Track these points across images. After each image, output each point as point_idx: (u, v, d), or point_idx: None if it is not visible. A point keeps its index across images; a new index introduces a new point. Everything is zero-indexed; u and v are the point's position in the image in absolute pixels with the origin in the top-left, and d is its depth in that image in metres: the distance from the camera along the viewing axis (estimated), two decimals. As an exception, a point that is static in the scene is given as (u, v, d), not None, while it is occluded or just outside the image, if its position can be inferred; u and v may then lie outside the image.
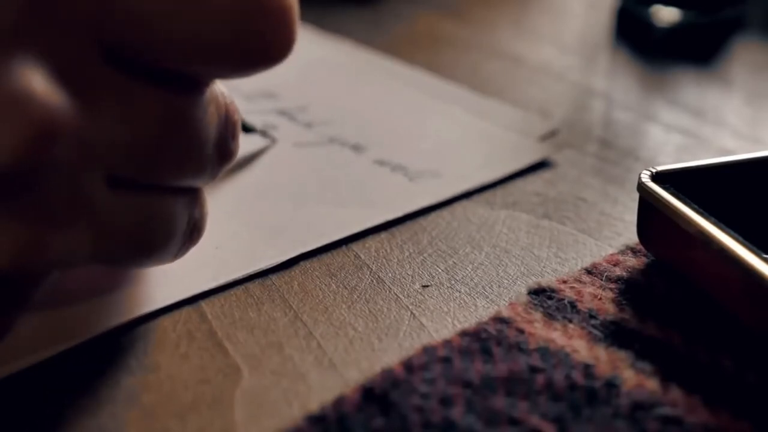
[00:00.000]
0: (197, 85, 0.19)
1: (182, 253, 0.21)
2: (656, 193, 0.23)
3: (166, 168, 0.19)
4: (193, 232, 0.21)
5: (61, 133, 0.16)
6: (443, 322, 0.22)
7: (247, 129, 0.31)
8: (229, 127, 0.21)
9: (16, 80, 0.15)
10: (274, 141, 0.32)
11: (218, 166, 0.21)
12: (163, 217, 0.20)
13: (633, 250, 0.25)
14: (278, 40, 0.19)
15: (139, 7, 0.17)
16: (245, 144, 0.30)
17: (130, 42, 0.17)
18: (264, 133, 0.31)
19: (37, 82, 0.15)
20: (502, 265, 0.25)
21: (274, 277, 0.24)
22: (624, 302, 0.23)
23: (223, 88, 0.21)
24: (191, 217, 0.21)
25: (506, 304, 0.23)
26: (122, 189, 0.18)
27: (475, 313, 0.23)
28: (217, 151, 0.20)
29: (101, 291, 0.23)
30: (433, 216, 0.27)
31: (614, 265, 0.24)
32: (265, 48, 0.19)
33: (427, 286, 0.24)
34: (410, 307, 0.23)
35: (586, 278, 0.24)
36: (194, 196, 0.21)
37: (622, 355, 0.21)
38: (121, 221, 0.18)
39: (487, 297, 0.24)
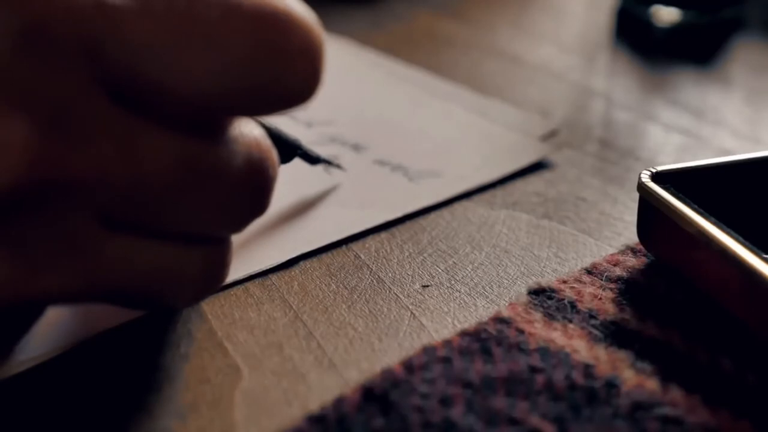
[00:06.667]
0: (217, 129, 0.18)
1: (195, 301, 0.20)
2: (656, 193, 0.23)
3: (177, 216, 0.18)
4: (209, 283, 0.20)
5: (37, 179, 0.15)
6: (443, 322, 0.22)
7: (311, 159, 0.27)
8: (261, 180, 0.19)
9: None
10: (337, 182, 0.29)
11: (246, 218, 0.19)
12: (170, 266, 0.18)
13: (633, 250, 0.25)
14: (304, 83, 0.17)
15: (141, 48, 0.16)
16: (312, 180, 0.28)
17: (131, 84, 0.16)
18: (331, 164, 0.28)
19: (14, 129, 0.15)
20: (502, 265, 0.25)
21: (274, 277, 0.24)
22: (624, 302, 0.23)
23: (261, 137, 0.19)
24: (209, 267, 0.19)
25: (506, 304, 0.23)
26: (124, 234, 0.17)
27: (475, 313, 0.23)
28: (243, 202, 0.19)
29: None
30: (433, 216, 0.27)
31: (614, 265, 0.24)
32: (289, 93, 0.17)
33: (427, 286, 0.24)
34: (410, 307, 0.23)
35: (586, 278, 0.24)
36: (217, 247, 0.20)
37: (622, 355, 0.21)
38: (120, 267, 0.17)
39: (487, 297, 0.24)
